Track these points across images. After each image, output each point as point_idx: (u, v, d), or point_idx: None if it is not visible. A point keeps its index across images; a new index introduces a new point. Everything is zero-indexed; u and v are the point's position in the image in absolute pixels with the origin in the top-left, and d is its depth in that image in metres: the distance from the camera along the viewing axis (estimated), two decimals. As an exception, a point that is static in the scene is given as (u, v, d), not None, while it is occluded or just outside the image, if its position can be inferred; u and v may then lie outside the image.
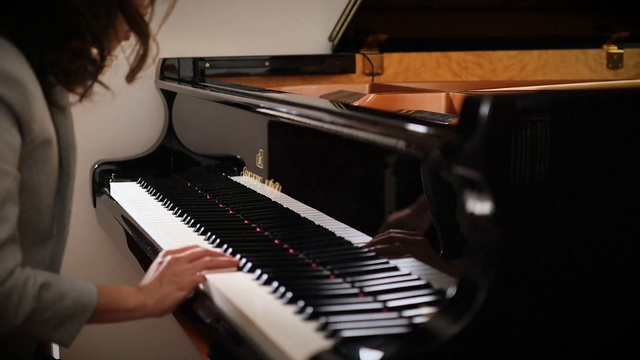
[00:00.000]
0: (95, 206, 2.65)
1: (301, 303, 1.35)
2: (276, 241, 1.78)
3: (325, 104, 1.85)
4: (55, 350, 2.88)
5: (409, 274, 1.45)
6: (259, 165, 2.09)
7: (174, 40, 2.84)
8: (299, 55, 2.89)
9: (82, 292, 1.45)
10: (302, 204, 1.86)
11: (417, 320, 1.27)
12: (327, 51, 2.93)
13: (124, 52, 1.60)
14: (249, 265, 1.59)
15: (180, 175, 2.64)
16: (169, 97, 2.77)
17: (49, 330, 1.42)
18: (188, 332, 1.63)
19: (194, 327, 1.56)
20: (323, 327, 1.25)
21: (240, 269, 1.60)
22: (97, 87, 1.58)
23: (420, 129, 1.30)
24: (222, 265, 1.61)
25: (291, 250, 1.70)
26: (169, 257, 1.60)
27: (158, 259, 1.62)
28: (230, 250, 1.68)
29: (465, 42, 2.96)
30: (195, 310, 1.53)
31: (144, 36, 1.55)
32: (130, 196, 2.38)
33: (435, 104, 2.24)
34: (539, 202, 1.18)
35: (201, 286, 1.58)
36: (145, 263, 1.92)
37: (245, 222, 1.96)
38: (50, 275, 1.43)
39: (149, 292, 1.53)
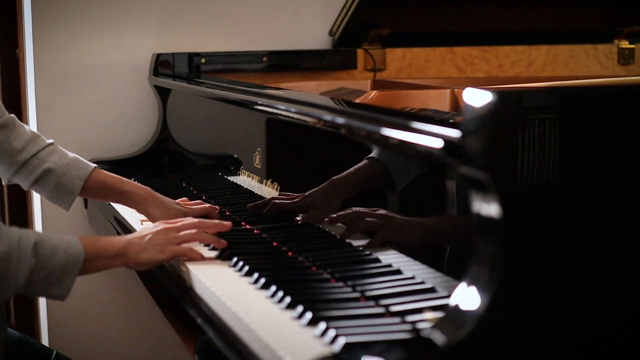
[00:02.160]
0: (86, 207, 2.66)
1: (300, 308, 1.35)
2: (274, 243, 1.78)
3: (326, 101, 1.85)
4: (45, 335, 2.89)
5: (412, 278, 1.45)
6: (257, 164, 2.09)
7: (169, 34, 2.85)
8: (298, 51, 2.89)
9: (69, 245, 1.53)
10: (301, 205, 1.86)
11: (421, 325, 1.26)
12: (328, 46, 2.93)
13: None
14: (247, 268, 1.59)
15: (175, 175, 2.64)
16: (163, 93, 2.77)
17: (47, 287, 1.50)
18: (181, 336, 1.63)
19: (187, 331, 1.56)
20: (323, 333, 1.25)
21: (237, 271, 1.61)
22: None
23: (424, 127, 1.30)
24: (208, 240, 1.70)
25: (290, 253, 1.70)
26: (162, 225, 1.69)
27: (153, 225, 1.70)
28: (226, 252, 1.68)
29: (471, 37, 2.96)
30: (188, 314, 1.53)
31: None
32: (123, 197, 2.38)
33: (439, 101, 2.24)
34: (547, 204, 1.18)
35: (195, 288, 1.58)
36: (139, 266, 1.92)
37: (242, 223, 1.96)
38: (37, 233, 1.51)
39: (130, 243, 1.62)
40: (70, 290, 1.53)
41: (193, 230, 1.68)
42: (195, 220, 1.73)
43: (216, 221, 1.75)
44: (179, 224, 1.70)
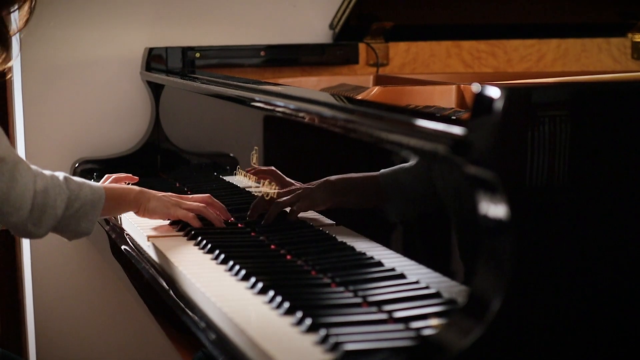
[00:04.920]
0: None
1: (299, 314, 1.35)
2: (272, 246, 1.78)
3: (326, 97, 1.85)
4: (32, 352, 2.89)
5: (416, 282, 1.46)
6: (254, 164, 2.10)
7: (162, 27, 2.85)
8: (298, 45, 2.89)
9: (91, 183, 1.82)
10: (300, 206, 1.86)
11: (426, 332, 1.27)
12: (328, 40, 2.93)
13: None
14: (243, 272, 1.59)
15: (168, 175, 2.64)
16: (156, 89, 2.78)
17: (78, 221, 1.76)
18: (175, 343, 1.63)
19: (182, 337, 1.56)
20: (323, 340, 1.26)
21: (233, 275, 1.61)
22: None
23: (428, 124, 1.30)
24: (212, 217, 1.92)
25: (288, 257, 1.70)
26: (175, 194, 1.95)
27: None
28: (222, 256, 1.69)
29: (479, 30, 2.96)
30: (183, 320, 1.53)
31: None
32: (114, 197, 2.38)
33: (445, 97, 2.24)
34: (558, 204, 1.19)
35: (188, 292, 1.58)
36: (130, 270, 1.92)
37: (239, 225, 1.96)
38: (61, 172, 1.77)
39: (144, 191, 1.90)
40: (95, 225, 1.78)
41: (202, 205, 1.92)
42: (206, 195, 1.97)
43: (222, 205, 1.97)
44: (191, 196, 1.96)
